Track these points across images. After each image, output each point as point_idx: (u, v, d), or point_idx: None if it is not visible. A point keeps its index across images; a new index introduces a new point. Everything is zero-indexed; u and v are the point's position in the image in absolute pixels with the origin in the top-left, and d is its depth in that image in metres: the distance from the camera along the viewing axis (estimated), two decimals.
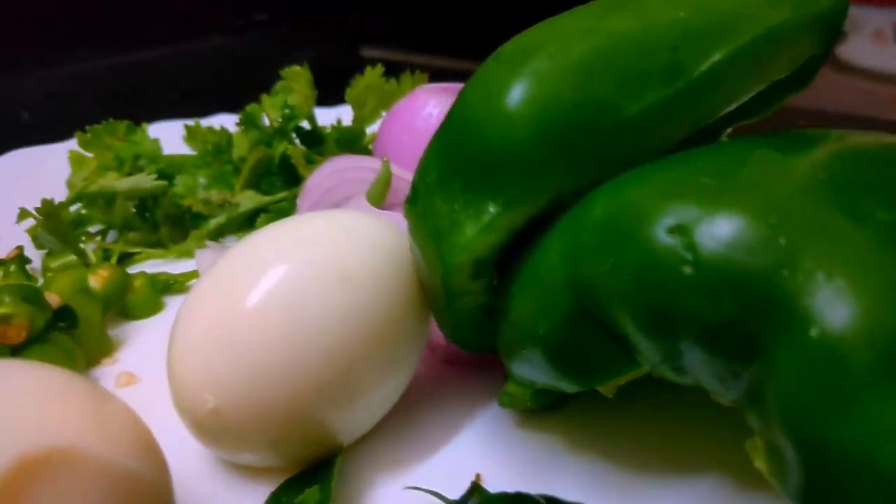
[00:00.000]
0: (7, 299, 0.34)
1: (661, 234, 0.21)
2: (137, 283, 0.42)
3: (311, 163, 0.51)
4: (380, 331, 0.28)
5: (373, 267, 0.29)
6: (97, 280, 0.40)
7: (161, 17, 1.28)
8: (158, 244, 0.50)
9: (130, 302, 0.41)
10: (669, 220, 0.21)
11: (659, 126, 0.25)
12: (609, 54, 0.25)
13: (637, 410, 0.31)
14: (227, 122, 0.65)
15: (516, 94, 0.25)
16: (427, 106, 0.48)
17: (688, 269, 0.20)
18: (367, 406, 0.29)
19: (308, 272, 0.28)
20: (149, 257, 0.49)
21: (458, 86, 0.51)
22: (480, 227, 0.25)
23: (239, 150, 0.54)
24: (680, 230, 0.21)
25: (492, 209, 0.25)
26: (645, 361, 0.23)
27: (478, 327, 0.29)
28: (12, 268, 0.43)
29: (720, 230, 0.20)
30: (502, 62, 0.26)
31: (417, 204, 0.27)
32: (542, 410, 0.32)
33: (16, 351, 0.34)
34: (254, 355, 0.27)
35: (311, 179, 0.45)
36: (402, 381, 0.30)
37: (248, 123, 0.56)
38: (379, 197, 0.43)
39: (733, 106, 0.27)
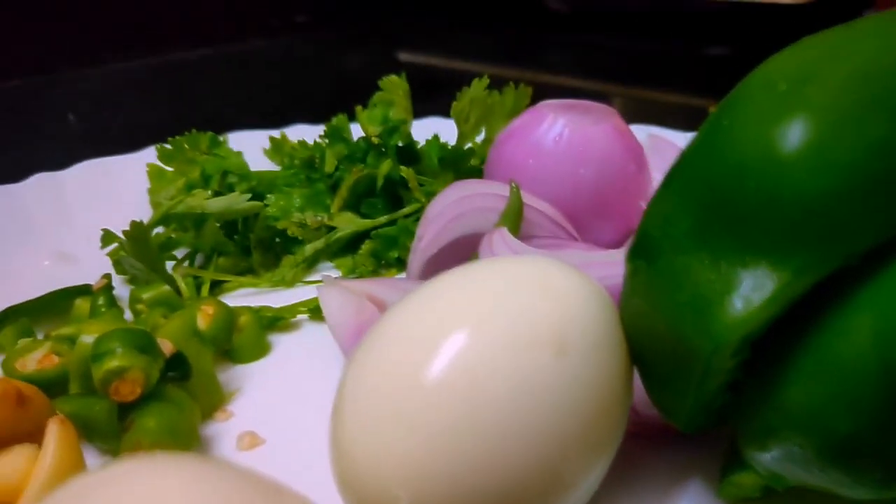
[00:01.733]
0: (119, 350, 0.29)
1: None
2: (242, 320, 0.37)
3: (422, 185, 0.46)
4: (594, 413, 0.23)
5: (591, 336, 0.24)
6: (203, 319, 0.35)
7: (201, 18, 1.23)
8: (249, 271, 0.45)
9: (237, 343, 0.36)
10: None
11: None
12: None
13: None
14: (305, 133, 0.60)
15: (809, 131, 0.20)
16: (556, 125, 0.43)
17: None
18: (575, 499, 0.24)
19: (519, 340, 0.23)
20: (240, 286, 0.44)
21: (583, 103, 0.46)
22: (766, 298, 0.20)
23: (327, 166, 0.49)
24: None
25: (779, 276, 0.20)
26: None
27: (710, 407, 0.24)
28: (101, 300, 0.38)
29: None
30: (775, 88, 0.21)
31: (659, 261, 0.22)
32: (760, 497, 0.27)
33: (126, 409, 0.29)
34: (454, 442, 0.22)
35: (433, 206, 0.40)
36: (606, 468, 0.25)
37: (335, 137, 0.51)
38: (514, 228, 0.38)
39: None
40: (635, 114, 1.04)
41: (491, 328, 0.23)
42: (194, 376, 0.32)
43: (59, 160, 0.69)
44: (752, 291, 0.20)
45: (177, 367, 0.31)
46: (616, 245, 0.45)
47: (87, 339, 0.30)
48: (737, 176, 0.21)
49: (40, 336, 0.37)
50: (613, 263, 0.31)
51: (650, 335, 0.23)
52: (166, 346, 0.31)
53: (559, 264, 0.26)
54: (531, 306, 0.24)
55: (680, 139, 0.53)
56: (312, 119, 0.88)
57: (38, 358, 0.33)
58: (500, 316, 0.24)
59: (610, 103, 1.08)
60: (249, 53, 1.29)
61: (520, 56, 1.30)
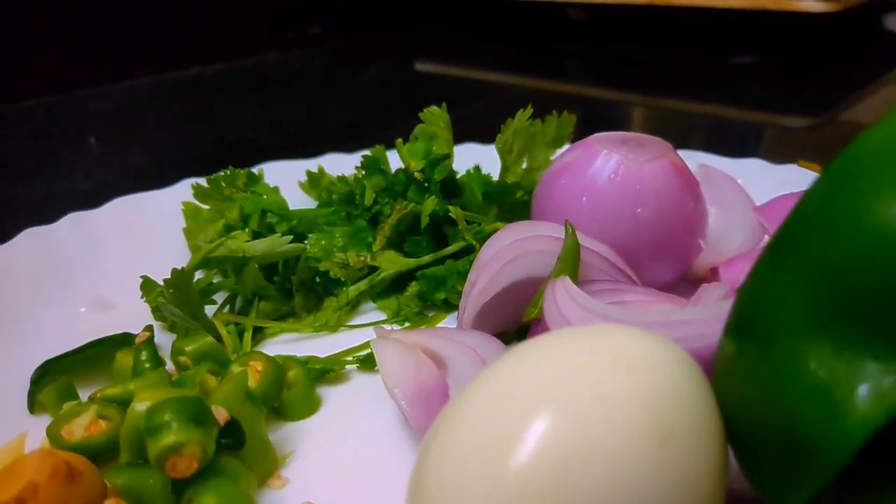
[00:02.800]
0: (174, 424, 0.27)
1: None
2: (291, 375, 0.36)
3: (469, 223, 0.44)
4: (695, 501, 0.22)
5: (692, 420, 0.22)
6: (251, 376, 0.34)
7: (215, 33, 1.22)
8: (290, 314, 0.43)
9: (286, 400, 0.35)
10: None
11: None
12: None
13: None
14: (340, 162, 0.59)
15: None
16: (610, 161, 0.41)
17: None
18: None
19: (616, 428, 0.21)
20: (282, 331, 0.42)
21: (636, 136, 0.44)
22: None
23: (367, 199, 0.48)
24: None
25: None
26: None
27: (818, 492, 0.22)
28: (143, 355, 0.36)
29: None
30: None
31: (771, 346, 0.21)
32: None
33: (181, 484, 0.28)
34: None
35: (486, 249, 0.39)
36: None
37: (372, 168, 0.50)
38: (572, 273, 0.37)
39: None
40: (658, 126, 1.02)
41: (583, 413, 0.22)
42: (248, 442, 0.30)
43: (86, 191, 0.68)
44: (884, 385, 0.18)
45: (231, 435, 0.30)
46: (671, 285, 0.43)
47: (140, 406, 0.29)
48: (862, 259, 0.19)
49: (82, 394, 0.35)
50: (694, 322, 0.29)
51: (757, 421, 0.22)
52: (220, 414, 0.29)
53: (650, 335, 0.24)
54: (626, 387, 0.22)
55: (730, 167, 0.51)
56: (334, 132, 0.87)
57: (84, 424, 0.31)
58: (592, 398, 0.22)
59: (630, 114, 1.07)
60: (265, 67, 1.28)
61: (539, 66, 1.28)
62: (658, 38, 1.29)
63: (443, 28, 1.54)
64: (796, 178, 0.52)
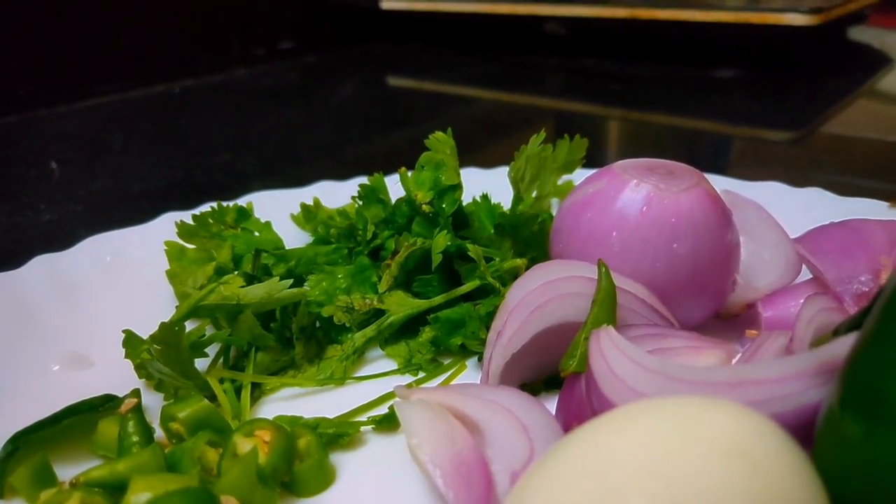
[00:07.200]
0: None
1: None
2: (302, 443, 0.31)
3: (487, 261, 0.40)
4: None
5: None
6: (259, 449, 0.30)
7: (182, 49, 1.16)
8: (290, 364, 0.39)
9: (298, 473, 0.31)
10: None
11: None
12: None
13: None
14: (331, 191, 0.55)
15: None
16: (640, 192, 0.38)
17: None
18: None
19: None
20: (282, 386, 0.38)
21: (664, 163, 0.41)
22: None
23: (369, 233, 0.44)
24: None
25: None
26: None
27: None
28: (130, 425, 0.32)
29: None
30: None
31: None
32: None
33: None
34: None
35: (514, 291, 0.35)
36: None
37: (370, 199, 0.46)
38: (611, 318, 0.33)
39: None
40: (637, 139, 1.00)
41: None
42: None
43: (51, 222, 0.62)
44: None
45: None
46: (701, 323, 0.40)
47: (137, 500, 0.25)
48: None
49: (59, 471, 0.31)
50: (768, 382, 0.26)
51: None
52: None
53: (744, 411, 0.21)
54: (734, 482, 0.19)
55: (747, 190, 0.49)
56: (315, 153, 0.82)
57: None
58: (694, 495, 0.18)
59: (608, 128, 1.04)
60: (236, 83, 1.23)
61: (515, 80, 1.25)
62: (638, 52, 1.27)
63: (415, 42, 1.51)
64: (821, 202, 0.50)
